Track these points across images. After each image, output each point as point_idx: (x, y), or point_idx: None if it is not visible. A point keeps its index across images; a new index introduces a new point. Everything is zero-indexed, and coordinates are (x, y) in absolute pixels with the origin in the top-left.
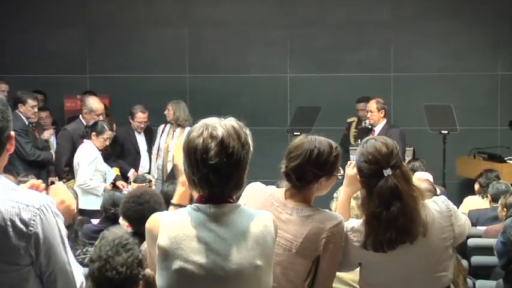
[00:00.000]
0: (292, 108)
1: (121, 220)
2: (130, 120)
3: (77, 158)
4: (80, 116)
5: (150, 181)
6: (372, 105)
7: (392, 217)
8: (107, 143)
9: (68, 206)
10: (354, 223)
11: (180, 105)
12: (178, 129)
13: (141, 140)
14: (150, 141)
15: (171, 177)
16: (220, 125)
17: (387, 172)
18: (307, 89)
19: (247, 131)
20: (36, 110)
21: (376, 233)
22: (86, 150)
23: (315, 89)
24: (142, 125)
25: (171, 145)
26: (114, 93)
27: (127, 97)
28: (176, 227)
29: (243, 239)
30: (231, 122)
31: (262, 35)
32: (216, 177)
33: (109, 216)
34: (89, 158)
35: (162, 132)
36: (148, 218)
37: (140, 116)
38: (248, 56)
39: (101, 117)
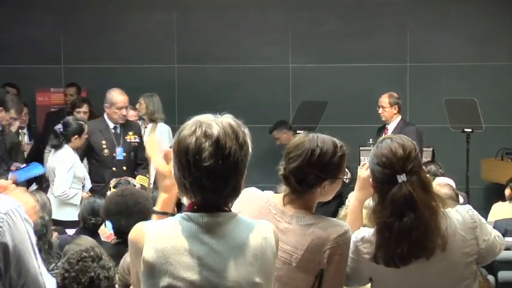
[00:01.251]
0: (294, 103)
1: (102, 229)
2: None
3: (52, 165)
4: (105, 113)
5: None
6: (384, 99)
7: (404, 229)
8: (85, 141)
9: (27, 211)
10: (365, 232)
11: (154, 99)
12: (150, 125)
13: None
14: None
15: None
16: (216, 123)
17: (401, 178)
18: (311, 82)
19: (246, 130)
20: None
21: (387, 246)
22: (62, 155)
23: (321, 82)
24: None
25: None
26: (92, 86)
27: (106, 90)
28: (164, 238)
29: (241, 253)
30: (227, 119)
31: (260, 19)
32: (211, 181)
33: (88, 227)
34: (66, 165)
35: None
36: (132, 212)
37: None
38: (245, 43)
39: (124, 111)
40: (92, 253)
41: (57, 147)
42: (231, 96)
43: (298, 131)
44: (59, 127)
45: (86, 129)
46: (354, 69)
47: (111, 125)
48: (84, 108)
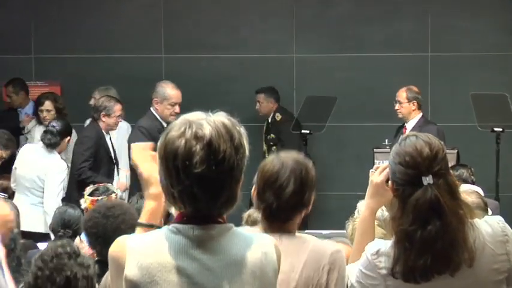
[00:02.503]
0: (299, 99)
1: (78, 243)
2: (103, 118)
3: (43, 172)
4: (151, 107)
5: (112, 193)
6: (401, 94)
7: (428, 239)
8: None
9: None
10: (381, 245)
11: (110, 92)
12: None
13: (111, 142)
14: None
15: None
16: (208, 122)
17: (427, 180)
18: (319, 74)
19: (242, 130)
20: None
21: (407, 258)
22: (57, 164)
23: (329, 74)
24: (120, 120)
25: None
26: (67, 80)
27: (83, 84)
28: (149, 254)
29: (237, 270)
30: (220, 118)
31: (260, 2)
32: (202, 190)
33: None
34: (61, 175)
35: None
36: (110, 239)
37: (119, 109)
38: (242, 30)
39: (177, 108)
40: (68, 249)
41: (52, 146)
42: (226, 91)
43: (303, 131)
44: (53, 124)
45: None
46: (367, 59)
47: (164, 123)
48: (47, 105)
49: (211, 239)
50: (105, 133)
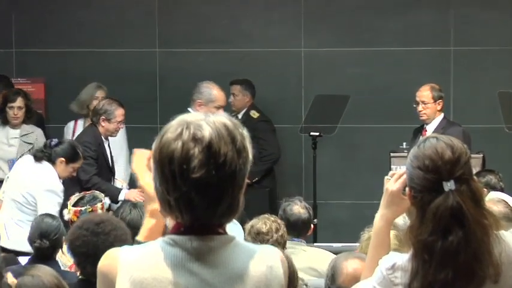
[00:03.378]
0: (307, 98)
1: (60, 256)
2: (102, 123)
3: (35, 188)
4: (191, 108)
5: (99, 203)
6: (425, 93)
7: (450, 250)
8: (74, 174)
9: None
10: (397, 259)
11: (101, 90)
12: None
13: (109, 149)
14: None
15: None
16: (207, 123)
17: (449, 186)
18: (329, 70)
19: (245, 132)
20: None
21: (426, 272)
22: (52, 180)
23: (341, 70)
24: (122, 126)
25: None
26: (52, 75)
27: (70, 82)
28: (143, 267)
29: (239, 285)
30: (221, 118)
31: None
32: (201, 197)
33: (38, 254)
34: (58, 194)
35: (74, 131)
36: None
37: (121, 114)
38: (245, 22)
39: (221, 111)
40: None
41: (38, 159)
42: (227, 89)
43: (312, 133)
44: (52, 140)
45: (79, 163)
46: (383, 54)
47: None
48: (19, 102)
49: (211, 252)
50: (104, 139)
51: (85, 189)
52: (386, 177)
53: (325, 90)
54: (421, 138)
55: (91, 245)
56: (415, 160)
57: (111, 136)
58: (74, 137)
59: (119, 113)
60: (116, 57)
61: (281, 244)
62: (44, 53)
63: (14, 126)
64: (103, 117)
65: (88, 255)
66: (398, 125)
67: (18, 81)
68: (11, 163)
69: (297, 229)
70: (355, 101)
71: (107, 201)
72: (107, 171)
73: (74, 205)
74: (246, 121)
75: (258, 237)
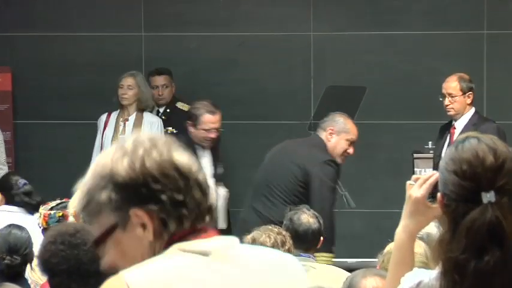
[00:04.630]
0: (317, 89)
1: (30, 272)
2: (190, 129)
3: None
4: (319, 135)
5: (67, 208)
6: (453, 84)
7: (484, 272)
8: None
9: None
10: (423, 276)
11: (136, 78)
12: (132, 117)
13: (205, 161)
14: (217, 161)
15: None
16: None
17: (488, 197)
18: (343, 58)
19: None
20: None
21: None
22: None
23: (357, 58)
24: (213, 135)
25: None
26: (19, 65)
27: (42, 71)
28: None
29: (270, 274)
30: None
31: None
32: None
33: (2, 270)
34: None
35: (106, 126)
36: (89, 273)
37: (209, 119)
38: (244, 2)
39: (351, 150)
40: None
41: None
42: (225, 79)
43: None
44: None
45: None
46: (405, 38)
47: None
48: None
49: (228, 249)
50: (200, 147)
51: None
52: (409, 182)
53: (337, 80)
54: (459, 137)
55: (72, 260)
56: (451, 163)
57: (202, 145)
58: (106, 135)
59: (206, 119)
60: (95, 42)
61: None
62: (10, 38)
63: None
64: (189, 122)
65: (71, 273)
66: (422, 121)
67: None
68: None
69: (306, 241)
70: (372, 93)
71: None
72: None
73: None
74: (173, 115)
75: None
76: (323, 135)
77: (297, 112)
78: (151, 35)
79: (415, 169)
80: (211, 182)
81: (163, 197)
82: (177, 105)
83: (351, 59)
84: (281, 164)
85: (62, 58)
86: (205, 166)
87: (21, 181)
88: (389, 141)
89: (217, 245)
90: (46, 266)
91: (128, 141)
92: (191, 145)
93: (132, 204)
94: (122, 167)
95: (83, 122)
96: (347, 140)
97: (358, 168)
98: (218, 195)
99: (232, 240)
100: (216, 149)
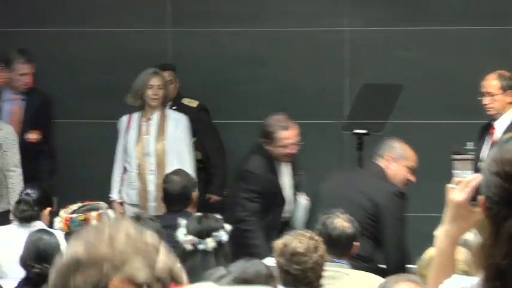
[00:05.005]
0: (352, 87)
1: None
2: (266, 146)
3: None
4: (377, 162)
5: (92, 211)
6: (492, 83)
7: None
8: None
9: None
10: (464, 283)
11: (157, 78)
12: (156, 115)
13: (286, 174)
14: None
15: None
16: None
17: None
18: (378, 54)
19: None
20: None
21: None
22: None
23: (392, 54)
24: (292, 150)
25: (150, 146)
26: (41, 61)
27: (63, 67)
28: None
29: None
30: None
31: None
32: None
33: (31, 278)
34: None
35: (128, 127)
36: None
37: (285, 136)
38: None
39: (413, 178)
40: None
41: (29, 219)
42: (253, 76)
43: (355, 131)
44: (29, 192)
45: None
46: (442, 34)
47: None
48: None
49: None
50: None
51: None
52: (449, 185)
53: (372, 78)
54: (503, 137)
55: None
56: (493, 164)
57: (281, 161)
58: (130, 137)
59: (281, 136)
60: (120, 38)
61: (320, 266)
62: (30, 33)
63: None
64: (264, 140)
65: None
66: (462, 120)
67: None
68: None
69: (340, 247)
70: (409, 91)
71: (111, 214)
72: (276, 205)
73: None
74: (183, 111)
75: (293, 258)
76: (382, 163)
77: (329, 111)
78: (178, 30)
79: (454, 171)
80: (290, 193)
81: None
82: (182, 101)
83: (386, 55)
84: (347, 198)
85: (83, 55)
86: (286, 180)
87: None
88: (426, 142)
89: None
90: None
91: None
92: (269, 161)
93: None
94: None
95: (105, 121)
96: (407, 167)
97: None
98: (299, 204)
99: None
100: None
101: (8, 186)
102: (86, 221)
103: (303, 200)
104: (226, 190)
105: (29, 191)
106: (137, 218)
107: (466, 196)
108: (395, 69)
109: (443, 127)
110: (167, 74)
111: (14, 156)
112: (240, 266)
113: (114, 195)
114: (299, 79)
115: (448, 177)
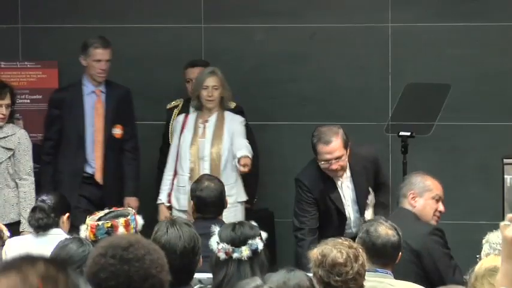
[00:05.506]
0: (396, 87)
1: None
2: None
3: None
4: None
5: (120, 217)
6: None
7: None
8: None
9: None
10: None
11: (214, 78)
12: (213, 117)
13: (346, 189)
14: None
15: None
16: None
17: None
18: (424, 52)
19: None
20: None
21: None
22: None
23: (440, 52)
24: (334, 167)
25: (205, 148)
26: (67, 58)
27: None
28: None
29: None
30: None
31: None
32: None
33: None
34: None
35: (183, 128)
36: None
37: (324, 150)
38: None
39: (442, 207)
40: None
41: (45, 228)
42: (292, 75)
43: (402, 132)
44: (44, 199)
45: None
46: (494, 31)
47: None
48: (7, 99)
49: None
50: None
51: None
52: (503, 223)
53: (418, 77)
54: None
55: (122, 276)
56: None
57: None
58: (185, 138)
59: (321, 150)
60: (149, 35)
61: (362, 276)
62: (57, 30)
63: None
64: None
65: None
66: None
67: (25, 66)
68: None
69: (385, 256)
70: (457, 91)
71: (139, 220)
72: (335, 218)
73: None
74: None
75: (333, 269)
76: (406, 203)
77: (372, 112)
78: (212, 27)
79: (505, 176)
80: (352, 210)
81: None
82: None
83: (433, 53)
84: None
85: (113, 52)
86: (347, 194)
87: (42, 197)
88: (476, 145)
89: None
90: (94, 281)
91: None
92: (321, 173)
93: None
94: None
95: (137, 122)
96: (433, 198)
97: (441, 174)
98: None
99: None
100: None
101: (19, 195)
102: (113, 228)
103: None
104: (256, 198)
105: (44, 197)
106: (172, 223)
107: None
108: (443, 68)
109: (493, 129)
110: (198, 70)
111: (26, 163)
112: (281, 277)
113: (163, 198)
114: (340, 78)
115: (498, 181)
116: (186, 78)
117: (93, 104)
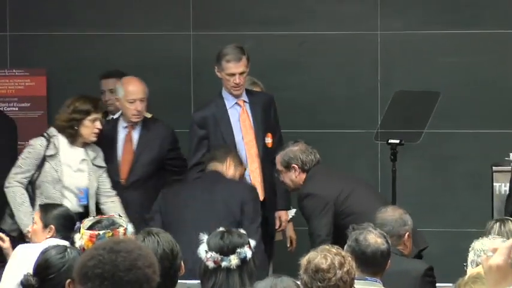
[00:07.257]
0: (385, 94)
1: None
2: None
3: None
4: None
5: (120, 227)
6: None
7: None
8: None
9: None
10: None
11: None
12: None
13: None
14: None
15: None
16: None
17: None
18: (413, 59)
19: None
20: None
21: None
22: None
23: (429, 59)
24: None
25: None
26: (55, 66)
27: (79, 73)
28: None
29: None
30: None
31: None
32: None
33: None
34: None
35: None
36: (122, 280)
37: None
38: None
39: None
40: None
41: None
42: (283, 83)
43: (390, 140)
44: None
45: None
46: (484, 38)
47: None
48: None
49: None
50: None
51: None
52: (484, 256)
53: (408, 84)
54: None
55: (108, 264)
56: None
57: None
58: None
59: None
60: (138, 42)
61: (347, 283)
62: (45, 37)
63: (82, 145)
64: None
65: (104, 278)
66: (503, 130)
67: (13, 73)
68: (83, 194)
69: (375, 264)
70: (447, 99)
71: (129, 228)
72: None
73: (91, 227)
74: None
75: (316, 275)
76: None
77: (361, 119)
78: (201, 34)
79: (495, 183)
80: None
81: None
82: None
83: (422, 60)
84: None
85: (99, 59)
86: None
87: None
88: (465, 153)
89: None
90: (82, 270)
91: None
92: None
93: None
94: None
95: None
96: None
97: (430, 182)
98: None
99: None
100: None
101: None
102: (114, 236)
103: None
104: None
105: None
106: (148, 233)
107: (505, 257)
108: (432, 76)
109: (483, 136)
110: (115, 82)
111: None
112: (268, 283)
113: None
114: (329, 85)
115: (488, 189)
116: (100, 89)
117: (239, 117)
